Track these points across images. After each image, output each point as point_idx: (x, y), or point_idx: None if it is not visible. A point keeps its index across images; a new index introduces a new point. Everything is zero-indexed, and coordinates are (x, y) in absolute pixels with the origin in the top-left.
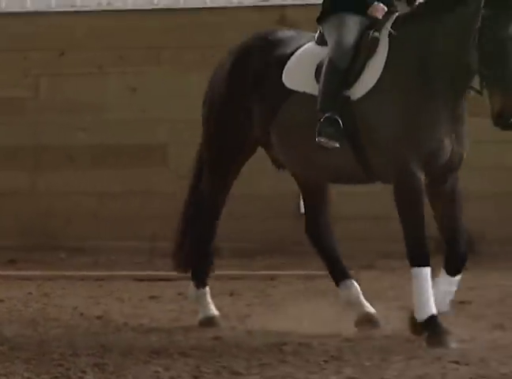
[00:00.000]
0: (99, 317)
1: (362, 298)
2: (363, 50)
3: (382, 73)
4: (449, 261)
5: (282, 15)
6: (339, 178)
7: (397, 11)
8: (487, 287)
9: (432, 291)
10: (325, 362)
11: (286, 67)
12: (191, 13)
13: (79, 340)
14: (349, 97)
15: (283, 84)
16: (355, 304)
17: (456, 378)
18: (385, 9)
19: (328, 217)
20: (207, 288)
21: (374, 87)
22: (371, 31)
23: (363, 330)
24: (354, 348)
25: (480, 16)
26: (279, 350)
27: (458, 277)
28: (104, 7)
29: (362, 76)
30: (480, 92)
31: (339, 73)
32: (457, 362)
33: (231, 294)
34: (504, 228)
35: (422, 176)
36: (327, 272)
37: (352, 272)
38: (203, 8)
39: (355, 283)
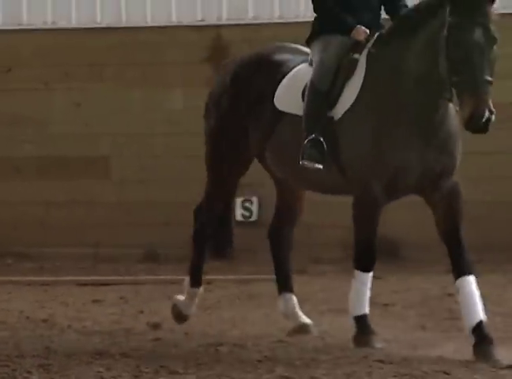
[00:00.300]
0: (44, 320)
1: (298, 310)
2: (343, 71)
3: (359, 93)
4: (456, 265)
5: (218, 34)
6: (328, 191)
7: (380, 31)
8: (409, 290)
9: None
10: (259, 361)
11: (278, 89)
12: (133, 31)
13: (25, 342)
14: (332, 117)
15: (275, 106)
16: (291, 316)
17: (380, 376)
18: (367, 31)
19: (292, 230)
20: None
21: (350, 107)
22: (352, 53)
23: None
24: (286, 348)
25: (447, 24)
26: (215, 351)
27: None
28: (49, 26)
29: (341, 97)
30: (450, 100)
31: (320, 94)
32: (381, 361)
33: (170, 298)
34: (425, 233)
35: (381, 193)
36: (260, 277)
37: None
38: (144, 27)
39: (293, 296)
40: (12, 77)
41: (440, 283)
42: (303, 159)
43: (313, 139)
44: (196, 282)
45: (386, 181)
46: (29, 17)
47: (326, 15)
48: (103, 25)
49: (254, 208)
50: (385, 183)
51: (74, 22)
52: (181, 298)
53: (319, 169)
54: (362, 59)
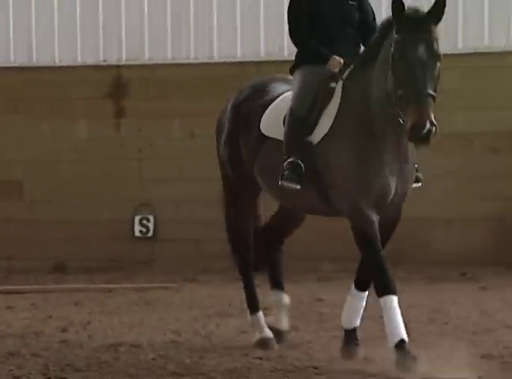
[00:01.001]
0: None
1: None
2: (320, 99)
3: (334, 120)
4: (360, 278)
5: (118, 73)
6: (310, 211)
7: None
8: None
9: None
10: (153, 359)
11: (264, 115)
12: (43, 70)
13: None
14: (311, 142)
15: (260, 131)
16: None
17: (259, 371)
18: (341, 62)
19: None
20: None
21: (327, 133)
22: (330, 82)
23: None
24: (177, 348)
25: (394, 42)
26: (115, 350)
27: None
28: None
29: (319, 124)
30: (400, 117)
31: (298, 120)
32: (260, 358)
33: (76, 304)
34: (300, 247)
35: (373, 213)
36: (155, 285)
37: (176, 285)
38: (53, 66)
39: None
40: None
41: (310, 290)
42: (281, 179)
43: (291, 161)
44: (255, 308)
45: (372, 202)
46: None
47: (303, 47)
48: (17, 64)
49: (151, 225)
50: (371, 204)
51: None
52: (257, 335)
53: (297, 189)
54: (338, 88)
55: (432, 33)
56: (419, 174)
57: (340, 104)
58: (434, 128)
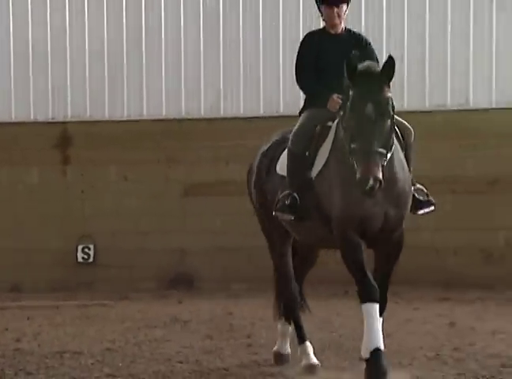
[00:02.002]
0: None
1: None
2: (317, 137)
3: (328, 156)
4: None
5: (64, 128)
6: (325, 245)
7: None
8: (201, 310)
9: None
10: (92, 364)
11: (280, 157)
12: (1, 125)
13: None
14: (311, 177)
15: (276, 170)
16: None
17: (180, 373)
18: (340, 101)
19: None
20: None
21: (321, 168)
22: (328, 121)
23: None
24: (112, 354)
25: (350, 97)
26: (60, 357)
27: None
28: None
29: (316, 160)
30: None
31: (295, 156)
32: (181, 362)
33: (28, 319)
34: (215, 268)
35: (357, 239)
36: (94, 302)
37: (112, 302)
38: (9, 122)
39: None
40: None
41: (223, 305)
42: (275, 210)
43: (286, 194)
44: (302, 338)
45: (358, 229)
46: None
47: (307, 93)
48: None
49: (91, 252)
50: (357, 231)
51: None
52: (304, 361)
53: (307, 224)
54: (333, 126)
55: (382, 91)
56: (431, 198)
57: (333, 141)
58: (377, 183)
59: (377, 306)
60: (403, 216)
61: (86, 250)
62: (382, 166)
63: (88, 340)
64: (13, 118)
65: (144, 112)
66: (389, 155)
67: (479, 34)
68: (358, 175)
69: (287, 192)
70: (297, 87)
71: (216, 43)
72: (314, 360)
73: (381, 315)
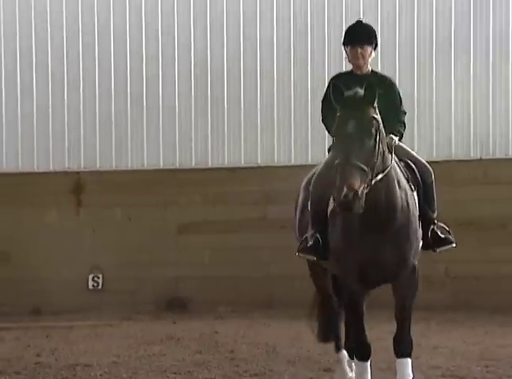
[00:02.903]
0: None
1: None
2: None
3: None
4: (396, 343)
5: (78, 177)
6: None
7: None
8: (192, 329)
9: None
10: (101, 375)
11: None
12: (25, 175)
13: None
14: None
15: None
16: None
17: None
18: None
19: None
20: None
21: (332, 207)
22: None
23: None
24: (117, 367)
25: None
26: (73, 369)
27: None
28: None
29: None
30: None
31: (314, 197)
32: (175, 373)
33: (47, 337)
34: (206, 292)
35: (356, 285)
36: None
37: (117, 322)
38: (32, 172)
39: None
40: None
41: (210, 325)
42: (298, 251)
43: (310, 234)
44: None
45: (356, 275)
46: None
47: (329, 133)
48: (8, 171)
49: (100, 281)
50: (356, 275)
51: None
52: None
53: (314, 260)
54: None
55: (364, 111)
56: (450, 236)
57: None
58: (352, 195)
59: (366, 365)
60: (404, 255)
61: (96, 279)
62: (364, 182)
63: (97, 355)
64: (36, 169)
65: (145, 163)
66: (379, 176)
67: None
68: (334, 188)
69: (310, 232)
70: (273, 140)
71: (204, 104)
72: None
73: (405, 355)
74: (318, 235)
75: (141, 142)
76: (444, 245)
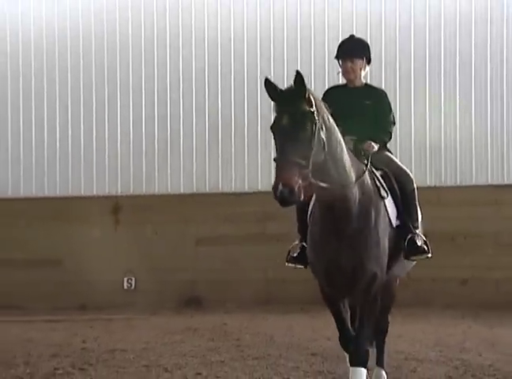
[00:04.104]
0: None
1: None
2: None
3: (313, 204)
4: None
5: (116, 200)
6: None
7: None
8: (205, 322)
9: None
10: (133, 358)
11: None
12: (74, 198)
13: None
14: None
15: None
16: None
17: (191, 364)
18: None
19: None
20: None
21: (310, 217)
22: None
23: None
24: (147, 351)
25: None
26: (112, 353)
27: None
28: None
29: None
30: None
31: (298, 207)
32: (192, 356)
33: (91, 327)
34: (215, 295)
35: (328, 290)
36: (135, 316)
37: (146, 317)
38: (79, 196)
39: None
40: None
41: (221, 318)
42: (286, 261)
43: (295, 244)
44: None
45: (324, 280)
46: None
47: None
48: (57, 195)
49: (133, 282)
50: (324, 281)
51: None
52: None
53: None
54: None
55: (296, 105)
56: (426, 247)
57: None
58: (288, 191)
59: (360, 371)
60: (361, 261)
61: (129, 281)
62: (301, 176)
63: (131, 342)
64: (82, 193)
65: (169, 189)
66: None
67: None
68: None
69: (295, 243)
70: (270, 170)
71: (216, 143)
72: None
73: (358, 365)
74: (305, 244)
75: (165, 171)
76: (418, 254)
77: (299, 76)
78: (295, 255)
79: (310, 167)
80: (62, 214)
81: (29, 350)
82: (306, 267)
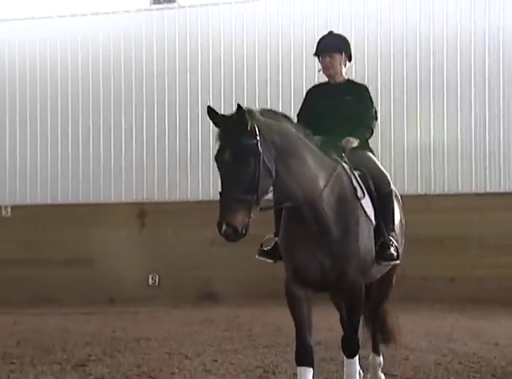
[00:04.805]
0: None
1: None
2: None
3: None
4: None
5: (142, 206)
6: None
7: None
8: (220, 314)
9: None
10: (157, 346)
11: None
12: (107, 205)
13: None
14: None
15: None
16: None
17: (208, 351)
18: None
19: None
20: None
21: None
22: None
23: None
24: (168, 340)
25: None
26: (138, 341)
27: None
28: None
29: None
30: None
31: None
32: (209, 345)
33: (120, 319)
34: (229, 290)
35: (295, 287)
36: (159, 309)
37: (168, 309)
38: (110, 203)
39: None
40: None
41: (234, 311)
42: (257, 254)
43: (267, 238)
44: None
45: (296, 278)
46: None
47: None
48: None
49: (157, 279)
50: (294, 278)
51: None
52: None
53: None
54: None
55: (237, 137)
56: (395, 253)
57: None
58: (232, 230)
59: (306, 371)
60: (344, 266)
61: (154, 278)
62: (245, 213)
63: (154, 331)
64: (112, 200)
65: (189, 196)
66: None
67: None
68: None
69: (269, 236)
70: None
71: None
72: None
73: (349, 356)
74: (278, 238)
75: (186, 181)
76: (387, 260)
77: (240, 110)
78: (266, 249)
79: (259, 198)
80: (94, 218)
81: (66, 338)
82: (275, 262)
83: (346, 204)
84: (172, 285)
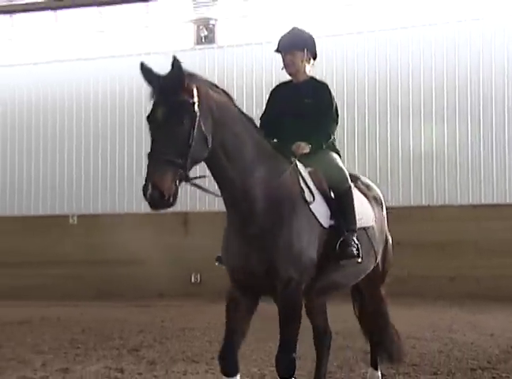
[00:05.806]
0: None
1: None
2: None
3: None
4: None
5: (185, 215)
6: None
7: None
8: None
9: None
10: (198, 335)
11: None
12: (145, 215)
13: None
14: None
15: None
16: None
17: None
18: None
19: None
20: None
21: None
22: None
23: None
24: (209, 330)
25: None
26: (183, 330)
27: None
28: None
29: None
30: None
31: None
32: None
33: (167, 312)
34: None
35: (232, 288)
36: (200, 303)
37: (209, 304)
38: (156, 213)
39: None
40: None
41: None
42: (216, 260)
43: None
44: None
45: (231, 280)
46: None
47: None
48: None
49: (199, 277)
50: (232, 283)
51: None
52: None
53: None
54: None
55: (173, 94)
56: (355, 251)
57: None
58: (157, 194)
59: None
60: (272, 259)
61: (196, 276)
62: (175, 176)
63: (197, 322)
64: (161, 210)
65: (216, 207)
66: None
67: None
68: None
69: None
70: None
71: None
72: None
73: (284, 377)
74: None
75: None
76: (348, 257)
77: (176, 64)
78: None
79: (189, 166)
80: (146, 225)
81: (122, 327)
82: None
83: (283, 201)
84: (212, 282)
